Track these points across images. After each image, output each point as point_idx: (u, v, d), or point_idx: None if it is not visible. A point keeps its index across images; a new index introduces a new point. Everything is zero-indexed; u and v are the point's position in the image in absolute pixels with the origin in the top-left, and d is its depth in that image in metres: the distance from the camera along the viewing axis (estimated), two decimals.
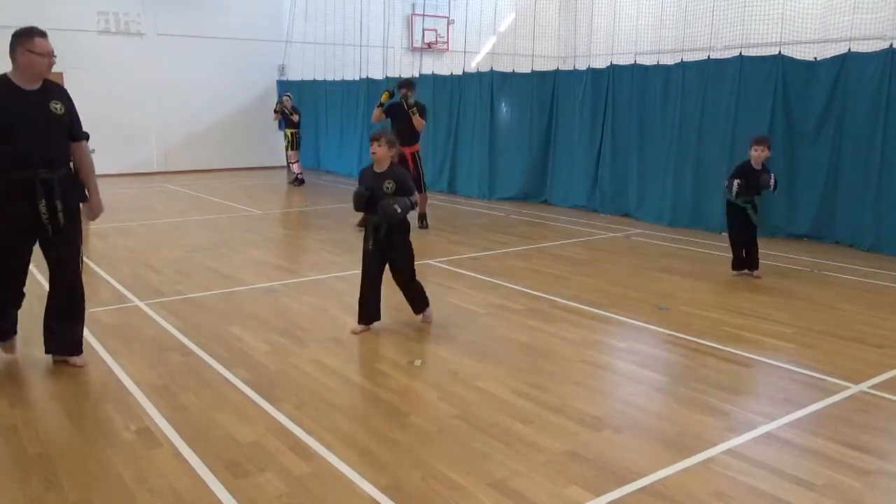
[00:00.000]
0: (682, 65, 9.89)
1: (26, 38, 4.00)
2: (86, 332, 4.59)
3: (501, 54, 16.56)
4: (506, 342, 5.05)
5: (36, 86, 4.08)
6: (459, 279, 6.80)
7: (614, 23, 12.88)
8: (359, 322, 5.15)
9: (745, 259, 6.91)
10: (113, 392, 4.09)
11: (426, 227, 9.41)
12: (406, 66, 16.64)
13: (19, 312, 4.47)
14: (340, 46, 16.58)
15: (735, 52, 9.34)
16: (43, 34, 4.07)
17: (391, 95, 9.03)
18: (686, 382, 4.32)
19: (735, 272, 6.96)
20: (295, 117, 14.24)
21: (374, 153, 4.94)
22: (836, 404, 3.99)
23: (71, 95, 4.30)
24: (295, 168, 14.36)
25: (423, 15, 18.73)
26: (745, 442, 3.53)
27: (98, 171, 4.57)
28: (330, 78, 16.47)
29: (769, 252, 7.95)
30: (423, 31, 18.92)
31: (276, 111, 14.66)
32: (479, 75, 13.02)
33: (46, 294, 4.39)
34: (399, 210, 4.90)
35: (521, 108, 12.29)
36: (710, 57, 9.68)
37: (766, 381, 4.40)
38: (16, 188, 4.03)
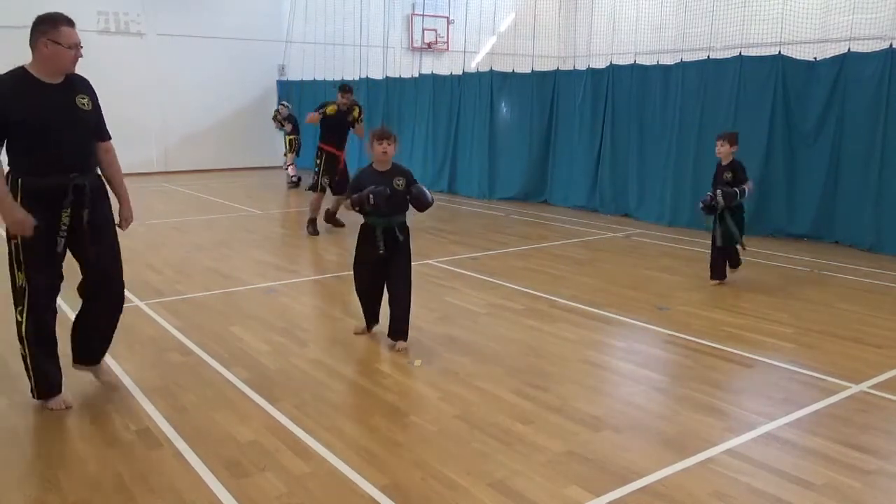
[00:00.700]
0: (682, 65, 9.89)
1: (50, 27, 3.44)
2: None
3: (501, 54, 16.53)
4: (506, 342, 5.04)
5: (59, 79, 3.57)
6: (459, 279, 6.80)
7: (614, 23, 12.85)
8: (368, 329, 5.11)
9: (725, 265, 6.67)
10: (113, 392, 4.09)
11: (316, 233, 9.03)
12: (406, 66, 16.64)
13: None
14: (340, 46, 16.56)
15: (735, 52, 9.34)
16: (70, 22, 3.50)
17: (337, 109, 8.87)
18: (686, 382, 4.32)
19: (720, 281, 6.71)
20: (288, 127, 14.22)
21: (384, 152, 4.87)
22: (836, 404, 3.99)
23: None
24: (290, 171, 14.31)
25: (423, 15, 18.72)
26: (745, 442, 3.53)
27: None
28: (330, 78, 16.47)
29: (769, 252, 7.96)
30: (423, 30, 18.90)
31: (273, 119, 14.67)
32: (478, 75, 13.02)
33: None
34: (431, 198, 4.89)
35: (520, 108, 12.28)
36: (710, 57, 9.67)
37: (766, 381, 4.39)
38: (47, 196, 3.51)
